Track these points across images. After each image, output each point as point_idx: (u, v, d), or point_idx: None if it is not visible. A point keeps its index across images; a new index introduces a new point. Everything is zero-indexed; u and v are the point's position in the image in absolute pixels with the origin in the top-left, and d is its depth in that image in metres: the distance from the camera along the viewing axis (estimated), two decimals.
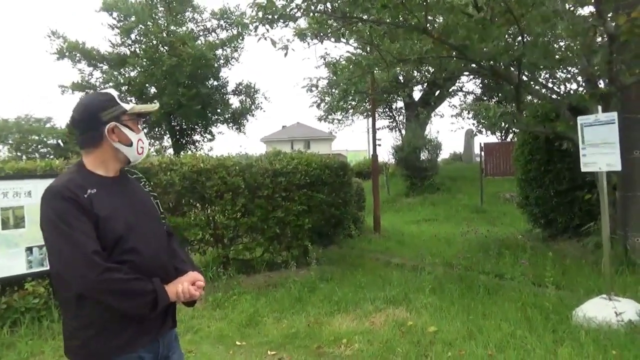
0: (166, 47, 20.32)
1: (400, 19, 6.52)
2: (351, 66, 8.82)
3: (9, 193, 4.56)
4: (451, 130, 61.65)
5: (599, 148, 4.34)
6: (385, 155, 31.86)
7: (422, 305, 4.85)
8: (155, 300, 1.58)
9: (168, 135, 23.44)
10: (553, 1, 5.72)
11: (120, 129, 1.70)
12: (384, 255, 7.96)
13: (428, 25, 6.24)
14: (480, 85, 21.76)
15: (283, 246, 7.07)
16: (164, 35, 20.32)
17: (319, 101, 22.42)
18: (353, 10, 6.34)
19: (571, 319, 4.17)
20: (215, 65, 21.50)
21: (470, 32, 5.94)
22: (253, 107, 23.87)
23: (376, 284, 5.81)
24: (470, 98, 23.48)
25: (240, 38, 22.14)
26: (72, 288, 1.53)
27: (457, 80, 20.29)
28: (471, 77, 18.86)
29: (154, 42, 20.48)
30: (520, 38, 6.34)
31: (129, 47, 21.44)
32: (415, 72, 14.87)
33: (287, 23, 6.71)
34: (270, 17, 6.37)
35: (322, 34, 7.02)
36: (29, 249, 4.64)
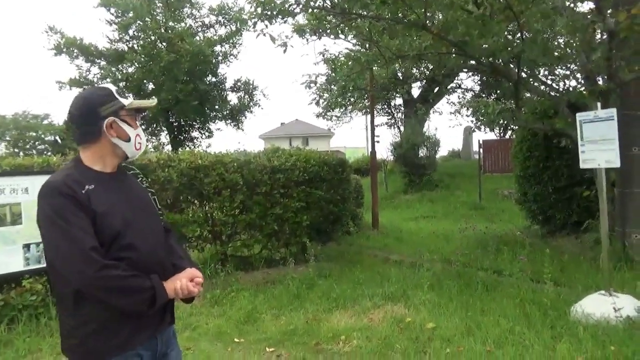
0: (164, 43, 20.23)
1: (400, 15, 6.51)
2: (350, 62, 8.80)
3: (5, 190, 4.54)
4: (449, 126, 61.68)
5: (597, 145, 4.34)
6: (384, 152, 31.94)
7: (421, 301, 4.85)
8: (153, 297, 1.57)
9: (166, 132, 23.37)
10: None
11: (119, 124, 1.69)
12: (382, 251, 7.96)
13: (427, 21, 6.23)
14: (479, 82, 21.74)
15: (281, 243, 7.06)
16: (162, 31, 20.24)
17: (317, 98, 22.39)
18: (352, 6, 6.32)
19: (569, 315, 4.17)
20: (214, 61, 21.42)
21: (470, 29, 5.92)
22: (251, 104, 23.80)
23: (374, 281, 5.81)
24: (469, 95, 23.48)
25: (239, 34, 22.05)
26: (70, 285, 1.52)
27: (456, 77, 20.28)
28: (470, 74, 18.87)
29: (152, 38, 20.39)
30: (519, 34, 6.32)
31: (127, 43, 21.35)
32: (414, 68, 14.86)
33: (285, 19, 6.69)
34: (269, 13, 6.35)
35: (320, 30, 7.00)
36: (27, 246, 4.63)
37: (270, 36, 6.40)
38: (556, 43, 6.97)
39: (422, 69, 15.79)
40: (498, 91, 19.78)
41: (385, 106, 24.80)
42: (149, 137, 23.10)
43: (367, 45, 8.73)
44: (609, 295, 4.17)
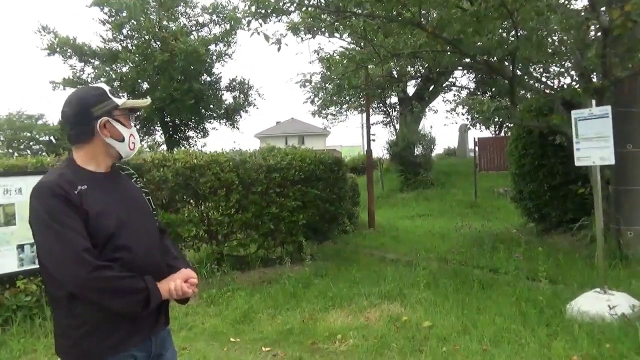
0: (158, 43, 20.15)
1: (394, 13, 6.49)
2: (345, 61, 8.79)
3: None
4: (445, 125, 61.80)
5: (592, 142, 4.35)
6: (380, 150, 31.87)
7: (417, 300, 4.85)
8: (147, 298, 1.56)
9: (161, 132, 23.29)
10: None
11: (112, 124, 1.67)
12: (378, 250, 7.96)
13: (422, 19, 6.23)
14: (474, 80, 21.76)
15: (277, 242, 7.06)
16: (156, 30, 20.14)
17: (312, 97, 22.35)
18: (346, 4, 6.30)
19: (565, 313, 4.18)
20: (208, 60, 21.34)
21: (465, 26, 5.92)
22: (247, 103, 23.74)
23: (371, 280, 5.81)
24: (464, 93, 23.50)
25: (233, 33, 21.97)
26: (63, 286, 1.50)
27: (451, 75, 20.29)
28: (465, 71, 18.88)
29: (146, 37, 20.29)
30: (514, 32, 6.33)
31: (121, 42, 21.23)
32: (409, 66, 14.86)
33: (280, 17, 6.67)
34: (263, 11, 6.32)
35: (315, 29, 6.98)
36: (21, 247, 4.59)
37: (265, 35, 6.38)
38: (550, 40, 6.98)
39: (417, 67, 15.80)
40: (493, 89, 19.81)
41: (381, 104, 24.79)
42: (144, 136, 23.01)
43: (362, 44, 8.73)
44: (604, 293, 4.18)
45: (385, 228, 10.31)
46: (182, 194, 6.15)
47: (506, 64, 6.91)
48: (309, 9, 6.69)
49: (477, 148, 16.41)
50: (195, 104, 20.51)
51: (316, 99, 22.11)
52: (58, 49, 20.27)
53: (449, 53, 7.22)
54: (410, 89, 21.87)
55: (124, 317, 1.57)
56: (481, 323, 4.09)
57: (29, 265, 4.61)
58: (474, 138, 16.69)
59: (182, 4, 21.89)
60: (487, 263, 6.21)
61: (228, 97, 23.72)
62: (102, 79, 20.01)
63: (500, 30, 6.64)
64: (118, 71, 20.72)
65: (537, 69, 8.05)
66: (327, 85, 19.21)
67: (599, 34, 5.63)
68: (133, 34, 20.75)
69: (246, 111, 23.81)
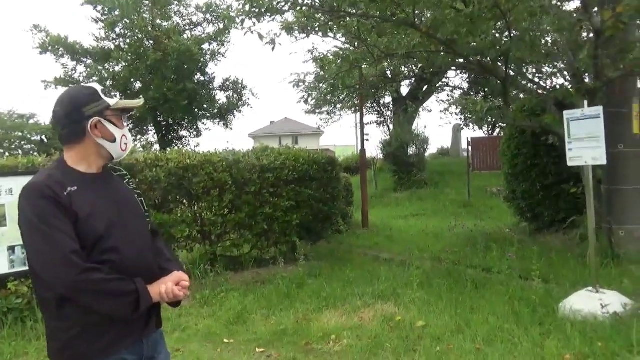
0: (151, 42, 20.04)
1: (388, 13, 6.50)
2: (339, 61, 8.78)
3: None
4: (439, 125, 61.96)
5: (584, 142, 4.38)
6: (373, 150, 31.94)
7: (411, 300, 4.86)
8: (137, 301, 1.54)
9: (154, 131, 23.17)
10: None
11: (104, 124, 1.66)
12: (372, 250, 7.97)
13: (416, 19, 6.24)
14: (468, 80, 21.85)
15: (271, 242, 7.04)
16: (149, 29, 20.04)
17: (306, 96, 22.34)
18: (341, 4, 6.30)
19: (558, 312, 4.20)
20: (202, 60, 21.26)
21: (458, 27, 5.94)
22: (240, 103, 23.68)
23: (365, 280, 5.81)
24: (457, 93, 23.59)
25: (227, 32, 21.91)
26: (51, 289, 1.49)
27: (445, 75, 20.35)
28: (458, 72, 18.94)
29: (139, 36, 20.19)
30: (507, 33, 6.36)
31: (114, 41, 21.10)
32: (403, 67, 14.88)
33: (274, 17, 6.65)
34: (257, 10, 6.30)
35: (309, 28, 6.97)
36: (11, 248, 4.54)
37: (259, 34, 6.36)
38: (543, 41, 7.02)
39: (411, 67, 15.81)
40: (486, 89, 19.90)
41: (375, 104, 24.83)
42: (138, 136, 22.89)
43: (356, 44, 8.72)
44: (596, 292, 4.21)
45: (379, 228, 10.32)
46: (175, 194, 6.12)
47: (499, 64, 6.94)
48: (303, 8, 6.68)
49: (470, 148, 16.47)
50: (189, 104, 20.43)
51: (310, 98, 22.12)
52: (50, 48, 20.13)
53: (442, 53, 7.23)
54: (404, 89, 21.95)
55: (114, 320, 1.56)
56: (475, 322, 4.11)
57: (20, 267, 4.56)
58: (467, 138, 16.77)
59: (175, 2, 21.79)
60: (480, 262, 6.23)
61: (222, 97, 23.67)
62: (94, 78, 19.87)
63: (493, 31, 6.67)
64: (110, 70, 20.59)
65: (530, 69, 8.09)
66: (320, 85, 19.21)
67: (591, 35, 5.66)
68: (126, 32, 20.64)
69: (240, 111, 23.77)
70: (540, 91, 7.26)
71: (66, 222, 1.49)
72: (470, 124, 23.63)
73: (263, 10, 6.31)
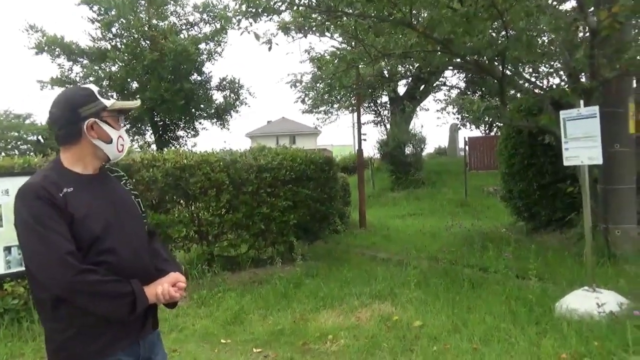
0: (147, 42, 20.00)
1: (385, 13, 6.50)
2: (336, 60, 8.79)
3: None
4: (437, 125, 62.08)
5: (580, 142, 4.39)
6: (371, 150, 31.92)
7: (408, 299, 4.86)
8: (133, 303, 1.54)
9: (151, 131, 23.13)
10: None
11: (100, 125, 1.65)
12: (369, 250, 7.98)
13: (413, 19, 6.24)
14: (464, 79, 21.89)
15: (268, 242, 7.04)
16: (146, 29, 19.99)
17: (303, 96, 22.34)
18: (337, 4, 6.30)
19: (554, 311, 4.22)
20: (198, 59, 21.23)
21: (455, 26, 5.94)
22: (237, 102, 23.65)
23: (362, 279, 5.82)
24: (454, 92, 23.63)
25: (224, 32, 21.88)
26: (47, 290, 1.49)
27: (442, 75, 20.38)
28: (455, 71, 18.96)
29: (135, 36, 20.14)
30: (504, 32, 6.37)
31: (110, 41, 21.06)
32: (400, 66, 14.90)
33: (271, 16, 6.64)
34: (253, 10, 6.29)
35: (306, 28, 6.96)
36: (7, 249, 4.51)
37: (255, 34, 6.35)
38: (540, 41, 7.03)
39: (408, 66, 15.84)
40: (483, 89, 19.95)
41: (372, 104, 24.84)
42: (135, 136, 22.85)
43: (353, 44, 8.73)
44: (592, 291, 4.22)
45: (376, 227, 10.33)
46: (172, 194, 6.11)
47: (496, 64, 6.96)
48: (300, 8, 6.68)
49: (467, 147, 16.51)
50: (186, 104, 20.42)
51: (307, 98, 22.11)
52: (46, 48, 20.08)
53: (439, 53, 7.24)
54: (401, 89, 21.95)
55: (110, 321, 1.55)
56: (471, 322, 4.12)
57: (16, 268, 4.53)
58: (464, 137, 16.80)
59: (172, 2, 21.75)
60: (477, 262, 6.24)
61: (219, 97, 23.65)
62: (90, 78, 19.84)
63: (490, 31, 6.68)
64: (107, 70, 20.56)
65: (526, 69, 8.11)
66: (318, 84, 19.20)
67: (587, 34, 5.68)
68: (122, 32, 20.59)
69: (237, 111, 23.76)
70: (536, 91, 7.28)
71: (62, 223, 1.48)
72: (467, 124, 23.70)
73: (260, 10, 6.30)
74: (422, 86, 21.19)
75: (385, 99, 23.90)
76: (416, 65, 13.32)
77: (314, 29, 7.08)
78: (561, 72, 7.25)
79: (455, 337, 3.84)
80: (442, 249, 7.02)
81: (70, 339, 1.52)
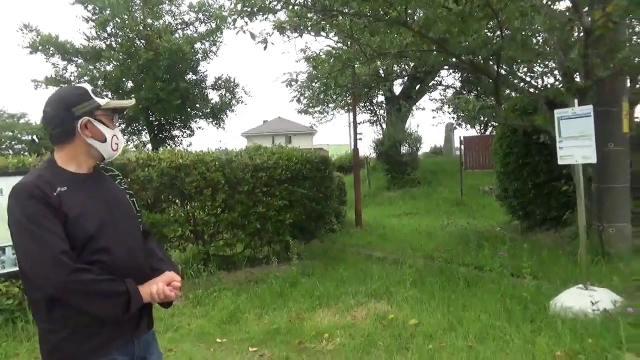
0: (142, 41, 19.93)
1: (381, 12, 6.51)
2: (331, 60, 8.79)
3: None
4: (432, 124, 62.19)
5: (575, 141, 4.41)
6: (367, 149, 31.99)
7: (403, 298, 4.88)
8: (127, 302, 1.54)
9: (146, 131, 23.05)
10: None
11: (94, 124, 1.65)
12: (365, 249, 7.99)
13: (408, 18, 6.26)
14: (460, 79, 21.94)
15: (264, 241, 7.03)
16: (140, 28, 19.92)
17: (298, 95, 22.34)
18: (333, 3, 6.30)
19: (549, 309, 4.24)
20: (194, 59, 21.17)
21: (450, 26, 5.96)
22: (233, 101, 23.61)
23: (358, 278, 5.82)
24: (450, 92, 23.69)
25: (219, 32, 21.84)
26: (41, 290, 1.48)
27: (437, 74, 20.42)
28: (451, 71, 19.01)
29: (130, 35, 20.06)
30: (499, 32, 6.39)
31: (105, 40, 20.97)
32: (395, 66, 14.91)
33: (266, 16, 6.64)
34: (249, 9, 6.29)
35: (301, 28, 6.97)
36: (2, 249, 4.49)
37: (251, 33, 6.35)
38: (534, 41, 7.06)
39: (404, 66, 15.85)
40: (478, 88, 19.99)
41: (368, 103, 24.87)
42: (130, 136, 22.76)
43: (349, 43, 8.73)
44: (586, 289, 4.25)
45: (372, 226, 10.34)
46: (168, 193, 6.10)
47: (491, 63, 6.98)
48: (295, 7, 6.68)
49: (462, 147, 16.55)
50: (182, 103, 20.36)
51: (302, 97, 22.10)
52: (40, 47, 19.97)
53: (434, 52, 7.26)
54: (397, 88, 22.00)
55: (104, 321, 1.55)
56: (467, 320, 4.13)
57: (10, 268, 4.51)
58: (460, 137, 16.85)
59: (167, 1, 21.68)
60: (472, 261, 6.26)
61: (214, 96, 23.60)
62: (85, 77, 19.75)
63: (485, 30, 6.70)
64: (102, 70, 20.47)
65: (521, 68, 8.14)
66: (313, 84, 19.19)
67: (582, 34, 5.70)
68: (117, 32, 20.50)
69: (232, 110, 23.71)
70: (531, 90, 7.31)
71: (55, 222, 1.48)
72: (463, 123, 23.76)
73: (255, 10, 6.30)
74: (418, 85, 21.23)
75: (381, 98, 23.95)
76: (412, 65, 13.33)
77: (309, 28, 7.09)
78: (556, 72, 7.29)
79: (450, 335, 3.85)
80: (437, 248, 7.04)
81: (65, 339, 1.51)
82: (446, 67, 11.25)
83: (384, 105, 23.93)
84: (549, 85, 7.20)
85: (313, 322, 4.44)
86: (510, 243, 6.48)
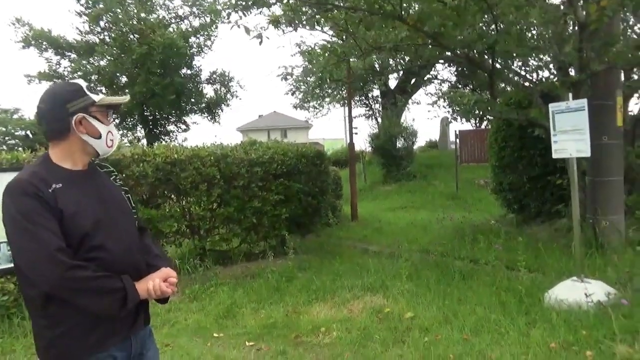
0: (136, 35, 19.79)
1: (376, 6, 6.49)
2: (327, 54, 8.76)
3: None
4: (428, 118, 62.18)
5: (569, 135, 4.43)
6: (362, 143, 31.99)
7: (399, 291, 4.90)
8: (124, 298, 1.54)
9: (141, 126, 22.93)
10: None
11: (89, 120, 1.64)
12: (361, 243, 8.01)
13: (403, 12, 6.24)
14: (455, 73, 21.94)
15: (260, 236, 7.04)
16: (134, 22, 19.77)
17: (294, 89, 22.29)
18: None
19: (543, 302, 4.27)
20: (188, 53, 21.05)
21: (445, 20, 5.95)
22: (228, 95, 23.53)
23: (354, 272, 5.85)
24: (445, 86, 23.69)
25: (214, 26, 21.72)
26: (37, 287, 1.48)
27: (433, 68, 20.41)
28: (446, 65, 19.01)
29: (124, 29, 19.90)
30: (494, 26, 6.39)
31: (98, 35, 20.80)
32: (390, 60, 14.90)
33: (261, 10, 6.60)
34: (243, 3, 6.25)
35: (296, 22, 6.93)
36: None
37: (245, 28, 6.30)
38: (529, 34, 7.06)
39: (399, 60, 15.84)
40: (474, 82, 20.00)
41: (363, 97, 24.83)
42: (125, 131, 22.64)
43: (344, 37, 8.70)
44: (580, 282, 4.28)
45: (368, 220, 10.37)
46: (163, 189, 6.09)
47: (486, 57, 6.99)
48: (290, 1, 6.64)
49: (458, 140, 16.56)
50: (176, 98, 20.26)
51: (297, 92, 22.05)
52: (33, 42, 19.78)
53: (430, 46, 7.25)
54: (393, 82, 21.97)
55: (101, 317, 1.55)
56: (462, 313, 4.16)
57: (5, 264, 4.49)
58: (455, 131, 16.86)
59: None
60: (467, 254, 6.29)
61: (209, 90, 23.51)
62: (79, 72, 19.58)
63: (480, 24, 6.70)
64: (95, 64, 20.31)
65: (516, 62, 8.14)
66: (308, 78, 19.14)
67: (576, 28, 5.71)
68: (110, 26, 20.33)
69: (227, 105, 23.63)
70: (526, 84, 7.32)
71: (51, 219, 1.47)
72: (458, 117, 23.77)
73: (250, 3, 6.26)
74: (413, 80, 21.22)
75: (376, 92, 23.90)
76: (407, 59, 13.32)
77: (304, 22, 7.05)
78: (550, 66, 7.29)
79: (446, 328, 3.89)
80: (433, 242, 7.07)
81: (61, 336, 1.52)
82: (441, 61, 11.26)
83: (379, 99, 23.89)
84: (543, 79, 7.21)
85: (309, 316, 4.46)
86: (505, 236, 6.50)
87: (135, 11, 20.27)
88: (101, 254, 1.55)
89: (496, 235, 6.70)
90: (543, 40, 6.73)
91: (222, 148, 6.79)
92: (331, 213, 9.28)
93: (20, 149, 7.21)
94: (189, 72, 22.23)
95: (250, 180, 6.63)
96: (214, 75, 23.26)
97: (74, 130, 1.62)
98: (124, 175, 5.44)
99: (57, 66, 20.73)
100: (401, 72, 19.73)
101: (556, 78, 6.61)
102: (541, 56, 7.49)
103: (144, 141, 21.86)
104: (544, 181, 7.23)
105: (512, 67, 7.91)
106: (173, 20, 22.04)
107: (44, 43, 19.97)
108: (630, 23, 7.17)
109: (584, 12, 5.32)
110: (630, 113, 7.06)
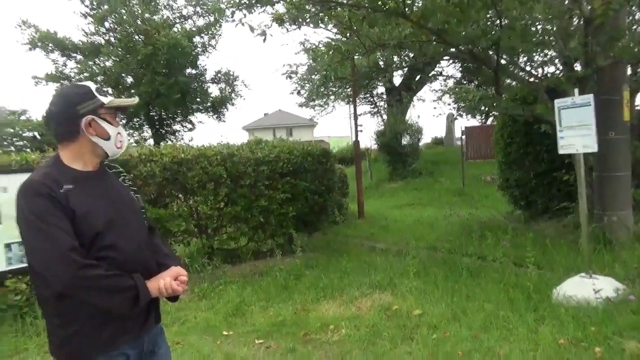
0: (141, 36, 19.87)
1: (379, 3, 6.48)
2: (331, 52, 8.76)
3: None
4: (433, 115, 62.01)
5: (575, 130, 4.41)
6: (368, 140, 31.96)
7: (407, 289, 4.91)
8: (136, 297, 1.56)
9: (147, 126, 23.05)
10: None
11: (98, 122, 1.66)
12: (368, 240, 8.02)
13: (406, 9, 6.23)
14: (460, 69, 21.84)
15: (267, 235, 7.07)
16: (139, 23, 19.85)
17: (298, 88, 22.30)
18: None
19: (552, 298, 4.26)
20: (193, 53, 21.11)
21: (449, 16, 5.94)
22: (233, 94, 23.59)
23: (361, 270, 5.86)
24: (450, 82, 23.59)
25: (218, 25, 21.76)
26: (51, 286, 1.50)
27: (437, 65, 20.32)
28: (451, 61, 18.92)
29: (129, 30, 19.99)
30: (498, 21, 6.36)
31: (103, 35, 20.91)
32: (395, 57, 14.86)
33: (264, 8, 6.62)
34: (247, 1, 6.26)
35: (300, 20, 6.94)
36: (8, 246, 4.55)
37: (249, 26, 6.32)
38: (534, 30, 7.03)
39: (403, 57, 15.81)
40: (479, 78, 19.91)
41: (368, 95, 24.81)
42: (132, 131, 22.77)
43: (348, 35, 8.70)
44: (589, 278, 4.27)
45: (375, 218, 10.38)
46: (170, 188, 6.14)
47: (490, 53, 6.96)
48: None
49: (464, 137, 16.52)
50: (182, 97, 20.34)
51: (302, 90, 22.06)
52: (39, 44, 19.92)
53: (434, 43, 7.23)
54: (397, 79, 21.92)
55: (113, 315, 1.58)
56: (470, 310, 4.16)
57: (17, 264, 4.57)
58: (461, 127, 16.81)
59: None
60: (475, 251, 6.29)
61: (214, 90, 23.59)
62: (85, 73, 19.70)
63: (484, 20, 6.67)
64: (101, 65, 20.42)
65: (521, 58, 8.10)
66: (313, 76, 19.13)
67: (582, 23, 5.68)
68: (115, 27, 20.43)
69: (233, 103, 23.71)
70: (531, 79, 7.29)
71: (63, 219, 1.50)
72: (464, 114, 23.70)
73: (253, 2, 6.27)
74: (418, 76, 21.15)
75: (381, 89, 23.88)
76: (411, 56, 13.28)
77: (307, 20, 7.05)
78: (556, 61, 7.25)
79: (454, 325, 3.89)
80: (440, 239, 7.07)
81: (74, 334, 1.54)
82: (446, 57, 11.22)
83: (384, 96, 23.86)
84: (549, 75, 7.18)
85: (318, 314, 4.48)
86: (512, 233, 6.50)
87: (140, 12, 20.35)
88: (112, 253, 1.58)
89: (503, 232, 6.69)
90: (548, 36, 6.70)
91: (228, 147, 6.82)
92: (338, 211, 9.29)
93: (28, 150, 7.27)
94: (193, 71, 22.31)
95: (257, 179, 6.66)
96: (219, 75, 23.33)
97: (84, 132, 1.64)
98: (132, 175, 5.48)
99: (64, 67, 20.89)
100: (406, 69, 19.67)
101: (562, 73, 6.57)
102: (546, 51, 7.45)
103: (151, 141, 21.98)
104: (551, 177, 7.20)
105: (517, 62, 7.87)
106: (177, 20, 22.11)
107: (50, 45, 20.11)
108: (637, 17, 7.12)
109: (589, 7, 5.29)
110: (637, 108, 7.01)
